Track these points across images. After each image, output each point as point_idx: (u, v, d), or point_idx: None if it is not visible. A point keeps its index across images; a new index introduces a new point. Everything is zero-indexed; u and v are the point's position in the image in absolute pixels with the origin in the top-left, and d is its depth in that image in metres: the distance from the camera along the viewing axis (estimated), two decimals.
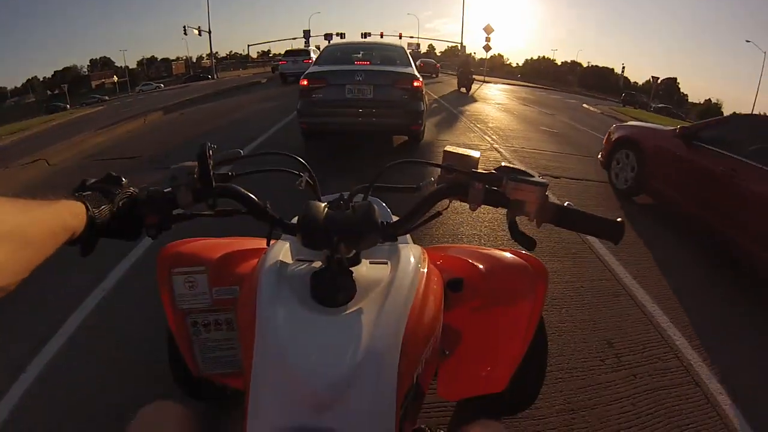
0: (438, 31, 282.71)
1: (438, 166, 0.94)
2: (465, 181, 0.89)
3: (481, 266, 1.20)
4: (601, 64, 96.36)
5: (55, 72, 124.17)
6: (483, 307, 1.18)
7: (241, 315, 0.95)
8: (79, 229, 0.71)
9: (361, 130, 6.89)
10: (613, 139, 6.49)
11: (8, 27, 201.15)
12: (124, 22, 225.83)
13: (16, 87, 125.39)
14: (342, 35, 55.65)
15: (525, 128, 11.47)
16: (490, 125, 11.23)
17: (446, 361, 1.24)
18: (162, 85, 49.95)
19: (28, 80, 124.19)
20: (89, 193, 0.78)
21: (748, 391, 2.57)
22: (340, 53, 8.11)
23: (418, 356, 0.81)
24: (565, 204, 0.90)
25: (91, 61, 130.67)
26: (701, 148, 4.98)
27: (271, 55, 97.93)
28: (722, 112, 56.87)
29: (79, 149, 9.00)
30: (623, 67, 76.90)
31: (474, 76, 21.01)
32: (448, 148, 0.95)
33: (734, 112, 7.27)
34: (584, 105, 24.86)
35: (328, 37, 54.96)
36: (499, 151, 8.09)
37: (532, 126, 11.76)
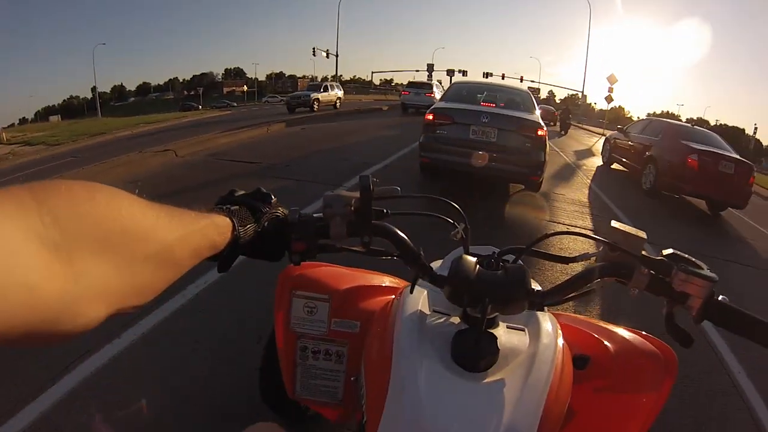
0: (559, 77, 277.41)
1: (605, 242, 0.84)
2: (630, 263, 0.81)
3: (608, 344, 1.11)
4: (730, 123, 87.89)
5: (193, 76, 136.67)
6: (604, 389, 1.08)
7: (368, 357, 0.93)
8: (222, 246, 0.66)
9: (479, 174, 6.54)
10: (605, 138, 14.66)
11: (162, 32, 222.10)
12: (260, 37, 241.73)
13: (158, 84, 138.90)
14: (464, 72, 55.74)
15: (628, 194, 9.79)
16: (604, 182, 10.50)
17: None
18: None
19: (170, 80, 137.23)
20: (237, 208, 0.73)
21: None
22: (466, 92, 7.91)
23: None
24: (720, 298, 0.79)
25: (225, 70, 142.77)
26: (627, 134, 11.61)
27: (393, 84, 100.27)
28: None
29: (204, 146, 9.44)
30: (755, 128, 69.24)
31: (582, 125, 23.10)
32: (614, 224, 0.85)
33: (642, 117, 14.46)
34: None
35: (450, 73, 55.66)
36: (614, 212, 7.50)
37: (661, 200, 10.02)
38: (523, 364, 0.79)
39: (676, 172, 8.74)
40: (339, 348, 1.17)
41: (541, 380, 0.76)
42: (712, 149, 8.79)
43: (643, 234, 0.85)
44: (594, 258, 0.89)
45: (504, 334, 0.86)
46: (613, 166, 12.67)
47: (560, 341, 0.90)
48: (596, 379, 1.07)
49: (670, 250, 0.83)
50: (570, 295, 0.85)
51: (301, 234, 0.80)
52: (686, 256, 0.83)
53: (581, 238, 0.95)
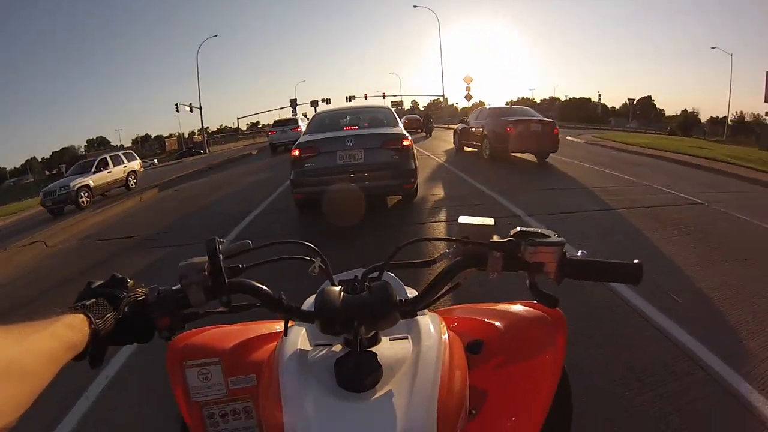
0: (420, 87, 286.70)
1: (454, 240, 0.93)
2: (482, 251, 0.88)
3: (498, 324, 1.16)
4: (578, 96, 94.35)
5: (53, 152, 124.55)
6: (505, 363, 1.14)
7: (264, 407, 0.91)
8: (84, 343, 0.66)
9: (355, 196, 6.66)
10: (454, 130, 17.78)
11: (9, 109, 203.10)
12: (120, 102, 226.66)
13: (15, 167, 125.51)
14: (327, 101, 55.15)
15: (512, 170, 11.65)
16: (479, 176, 10.65)
17: (473, 422, 1.16)
18: (156, 161, 49.91)
19: (27, 161, 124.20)
20: (93, 301, 0.73)
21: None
22: (328, 120, 8.06)
23: (453, 429, 0.79)
24: (579, 253, 0.89)
25: (88, 141, 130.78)
26: (468, 123, 15.49)
27: (260, 126, 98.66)
28: (699, 119, 58.31)
29: (76, 230, 9.04)
30: (599, 95, 77.26)
31: (447, 126, 27.10)
32: (462, 219, 0.93)
33: (481, 107, 18.05)
34: (568, 137, 24.30)
35: (314, 104, 55.00)
36: (493, 197, 7.95)
37: (519, 169, 12.03)
38: (408, 371, 0.81)
39: (501, 140, 12.57)
40: (245, 404, 1.14)
41: (427, 383, 0.78)
42: (523, 118, 12.75)
43: (490, 221, 0.92)
44: (451, 254, 0.94)
45: (387, 348, 0.87)
46: (464, 149, 16.14)
47: (445, 337, 0.93)
48: (494, 358, 1.12)
49: (517, 229, 0.89)
50: (438, 295, 0.90)
51: (162, 310, 0.80)
52: (532, 229, 0.89)
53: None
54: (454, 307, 1.35)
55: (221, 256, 0.84)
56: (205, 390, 1.11)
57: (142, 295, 0.81)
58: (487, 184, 9.07)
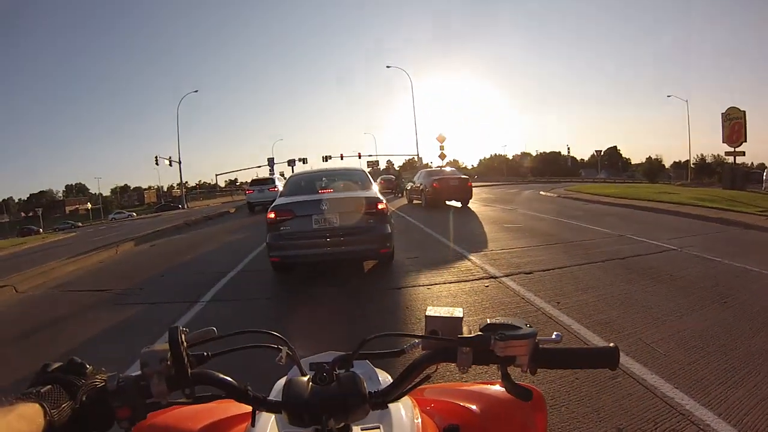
0: (395, 146, 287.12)
1: (422, 337, 0.86)
2: (451, 345, 0.83)
3: (474, 407, 1.11)
4: (548, 150, 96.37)
5: (30, 195, 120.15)
6: None
7: None
8: None
9: (330, 260, 6.54)
10: (406, 189, 22.83)
11: None
12: (100, 150, 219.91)
13: None
14: (304, 160, 55.12)
15: (490, 229, 11.27)
16: (455, 233, 10.53)
17: None
18: (134, 214, 48.87)
19: (3, 201, 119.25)
20: (48, 388, 0.66)
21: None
22: (303, 182, 7.84)
23: None
24: (554, 335, 0.85)
25: (66, 186, 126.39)
26: (413, 182, 20.83)
27: (237, 183, 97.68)
28: (664, 165, 60.38)
29: (49, 277, 8.62)
30: (568, 148, 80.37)
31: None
32: (430, 311, 0.88)
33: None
34: (541, 192, 24.89)
35: (291, 163, 54.39)
36: (469, 259, 7.56)
37: (496, 225, 11.92)
38: None
39: (431, 192, 17.63)
40: None
41: None
42: (445, 176, 18.14)
43: (459, 313, 0.86)
44: (420, 345, 0.88)
45: None
46: (414, 203, 20.44)
47: (418, 422, 0.88)
48: None
49: (487, 322, 0.84)
50: (408, 387, 0.84)
51: (123, 401, 0.73)
52: (502, 321, 0.83)
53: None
54: (435, 387, 1.28)
55: (184, 344, 0.78)
56: None
57: (101, 383, 0.73)
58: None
